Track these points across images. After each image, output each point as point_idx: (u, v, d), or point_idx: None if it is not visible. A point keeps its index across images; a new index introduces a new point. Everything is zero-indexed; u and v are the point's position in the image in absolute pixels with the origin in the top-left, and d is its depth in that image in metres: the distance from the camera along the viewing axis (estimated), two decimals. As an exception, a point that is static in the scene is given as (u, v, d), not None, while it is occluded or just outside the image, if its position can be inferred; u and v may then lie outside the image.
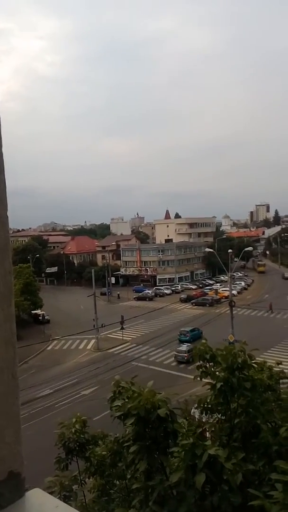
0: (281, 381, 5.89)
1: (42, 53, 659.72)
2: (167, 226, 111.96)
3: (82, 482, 5.62)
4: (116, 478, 5.47)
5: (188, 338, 43.73)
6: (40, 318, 58.46)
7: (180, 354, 38.27)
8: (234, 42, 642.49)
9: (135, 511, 3.16)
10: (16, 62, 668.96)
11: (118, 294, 77.25)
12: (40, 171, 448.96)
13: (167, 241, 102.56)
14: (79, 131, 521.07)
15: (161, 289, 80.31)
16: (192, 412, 4.72)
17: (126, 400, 3.49)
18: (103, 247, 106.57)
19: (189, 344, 39.86)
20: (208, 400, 3.90)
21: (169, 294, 77.56)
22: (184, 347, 39.13)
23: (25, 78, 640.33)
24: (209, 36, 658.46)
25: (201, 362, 4.03)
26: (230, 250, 53.92)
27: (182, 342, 42.46)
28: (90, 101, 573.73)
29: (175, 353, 39.35)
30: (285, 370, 5.86)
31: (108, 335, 49.44)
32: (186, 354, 37.36)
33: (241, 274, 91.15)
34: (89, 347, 47.04)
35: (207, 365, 4.01)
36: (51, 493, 4.80)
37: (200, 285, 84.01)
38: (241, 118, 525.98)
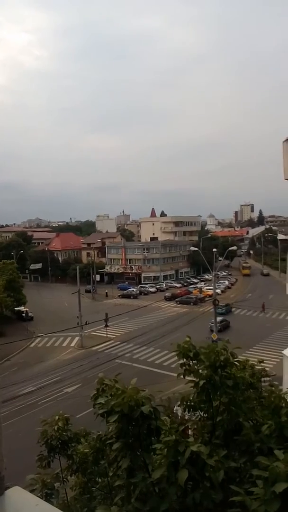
0: (262, 379, 5.96)
1: (29, 46, 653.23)
2: (153, 224, 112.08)
3: (64, 479, 5.59)
4: (98, 475, 5.45)
5: (223, 311, 54.37)
6: (24, 315, 58.01)
7: (217, 324, 41.69)
8: (221, 42, 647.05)
9: (117, 509, 3.16)
10: (2, 55, 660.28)
11: (107, 292, 76.88)
12: (26, 165, 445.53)
13: (153, 239, 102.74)
14: (66, 126, 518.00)
15: (146, 287, 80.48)
16: (174, 409, 4.74)
17: (110, 397, 3.48)
18: (88, 244, 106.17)
19: (223, 317, 49.79)
20: (191, 398, 3.92)
21: (154, 292, 77.80)
22: (219, 319, 44.15)
23: (12, 71, 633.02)
24: (196, 36, 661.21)
25: (184, 360, 4.04)
26: (214, 249, 54.43)
27: (219, 314, 45.71)
28: (77, 96, 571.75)
29: (210, 324, 43.66)
30: (267, 368, 5.94)
31: (92, 333, 49.33)
32: (219, 324, 43.12)
33: (225, 273, 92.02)
34: (73, 344, 46.84)
35: (191, 363, 4.02)
36: (32, 490, 4.78)
37: (185, 284, 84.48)
38: (227, 117, 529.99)
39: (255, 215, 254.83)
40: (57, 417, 5.65)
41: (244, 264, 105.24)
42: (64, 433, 5.52)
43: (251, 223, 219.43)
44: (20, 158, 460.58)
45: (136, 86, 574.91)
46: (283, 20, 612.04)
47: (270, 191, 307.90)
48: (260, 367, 6.08)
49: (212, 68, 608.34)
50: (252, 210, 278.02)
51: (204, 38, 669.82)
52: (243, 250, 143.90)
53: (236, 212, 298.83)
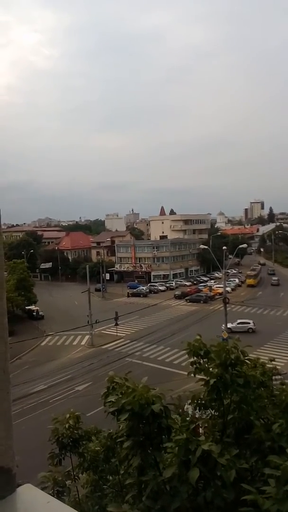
0: (274, 377, 5.92)
1: (39, 46, 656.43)
2: (162, 222, 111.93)
3: (75, 477, 5.62)
4: (110, 473, 5.48)
5: None
6: (34, 313, 58.40)
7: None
8: (230, 39, 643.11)
9: (128, 506, 3.16)
10: (13, 55, 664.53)
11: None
12: (36, 165, 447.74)
13: (162, 237, 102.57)
14: (75, 125, 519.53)
15: (156, 286, 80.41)
16: (185, 408, 4.74)
17: (120, 395, 3.49)
18: (98, 243, 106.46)
19: None
20: (202, 396, 3.91)
21: (164, 291, 77.70)
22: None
23: (22, 71, 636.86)
24: (205, 33, 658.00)
25: (194, 358, 4.03)
26: (224, 247, 54.11)
27: None
28: (86, 95, 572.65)
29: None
30: (278, 367, 5.89)
31: (102, 331, 49.47)
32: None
33: (235, 271, 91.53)
34: (83, 343, 47.04)
35: (201, 361, 4.01)
36: (44, 488, 4.81)
37: (195, 282, 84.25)
38: (237, 115, 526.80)
39: (266, 212, 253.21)
40: (68, 415, 5.68)
41: (249, 272, 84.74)
42: (75, 431, 5.54)
43: (262, 221, 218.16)
44: (29, 158, 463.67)
45: (144, 84, 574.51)
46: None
47: (280, 188, 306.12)
48: (271, 366, 6.04)
49: (221, 65, 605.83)
50: (262, 208, 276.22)
51: (212, 35, 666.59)
52: (254, 248, 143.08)
53: (246, 210, 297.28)
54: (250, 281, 79.80)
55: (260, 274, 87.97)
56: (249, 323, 46.32)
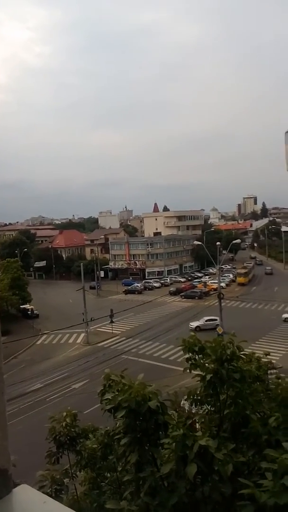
0: (269, 371, 5.96)
1: (30, 43, 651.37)
2: (156, 219, 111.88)
3: (73, 475, 5.64)
4: (107, 470, 5.49)
5: None
6: (29, 312, 58.21)
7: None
8: (224, 35, 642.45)
9: (127, 503, 3.17)
10: (4, 53, 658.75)
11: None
12: (28, 163, 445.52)
13: (156, 234, 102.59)
14: (68, 123, 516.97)
15: (150, 282, 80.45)
16: (181, 403, 4.74)
17: (117, 393, 3.49)
18: (92, 241, 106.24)
19: None
20: (198, 392, 3.92)
21: (158, 287, 77.74)
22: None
23: (13, 69, 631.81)
24: (199, 29, 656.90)
25: (190, 354, 4.05)
26: (218, 243, 54.32)
27: None
28: (80, 93, 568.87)
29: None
30: (273, 361, 5.93)
31: (98, 329, 49.43)
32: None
33: (229, 267, 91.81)
34: (78, 341, 46.98)
35: (197, 357, 4.02)
36: (42, 486, 4.81)
37: (189, 278, 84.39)
38: (229, 111, 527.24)
39: (259, 207, 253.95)
40: (65, 414, 5.69)
41: (239, 270, 79.50)
42: (72, 429, 5.56)
43: (255, 216, 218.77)
44: (22, 156, 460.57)
45: (137, 81, 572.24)
46: (284, 10, 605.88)
47: (272, 183, 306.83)
48: (266, 360, 6.08)
49: (215, 61, 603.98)
50: (256, 203, 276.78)
51: (206, 31, 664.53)
52: (247, 243, 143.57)
53: (239, 205, 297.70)
54: (240, 279, 75.14)
55: (253, 271, 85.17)
56: (216, 319, 45.94)
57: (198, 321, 46.13)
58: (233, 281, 79.13)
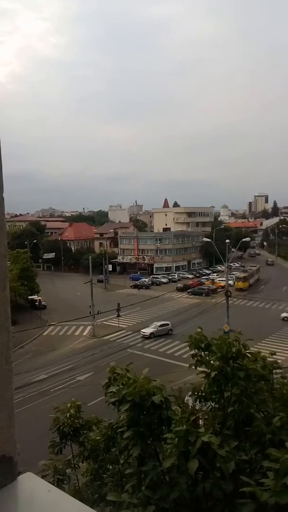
0: (274, 371, 5.94)
1: (46, 34, 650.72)
2: (166, 214, 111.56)
3: (76, 466, 5.68)
4: (109, 463, 5.53)
5: None
6: (37, 303, 58.65)
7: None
8: (241, 31, 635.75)
9: (128, 496, 3.20)
10: (19, 43, 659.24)
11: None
12: (40, 155, 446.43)
13: (165, 229, 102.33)
14: (80, 116, 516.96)
15: (158, 278, 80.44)
16: (185, 399, 4.76)
17: (121, 386, 3.50)
18: (101, 234, 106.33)
19: None
20: (202, 388, 3.93)
21: (166, 283, 77.73)
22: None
23: (29, 60, 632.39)
24: (216, 24, 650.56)
25: (196, 350, 4.05)
26: (227, 240, 53.96)
27: None
28: (93, 86, 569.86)
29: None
30: (279, 361, 5.91)
31: (104, 322, 49.65)
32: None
33: (238, 265, 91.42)
34: (85, 333, 47.25)
35: (202, 354, 4.02)
36: (44, 476, 4.86)
37: (197, 275, 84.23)
38: (242, 108, 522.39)
39: (270, 206, 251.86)
40: (69, 405, 5.73)
41: (238, 274, 72.19)
42: (76, 421, 5.59)
43: (265, 214, 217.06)
44: (34, 148, 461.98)
45: (152, 75, 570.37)
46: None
47: (284, 182, 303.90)
48: (272, 359, 6.07)
49: (231, 57, 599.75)
50: (267, 201, 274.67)
51: (224, 25, 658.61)
52: (257, 242, 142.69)
53: (250, 203, 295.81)
54: (239, 284, 68.49)
55: (257, 274, 79.58)
56: (168, 324, 45.22)
57: (150, 328, 44.53)
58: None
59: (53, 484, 4.69)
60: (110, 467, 5.57)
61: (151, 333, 43.39)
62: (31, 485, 1.10)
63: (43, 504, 1.04)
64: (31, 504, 1.04)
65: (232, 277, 69.17)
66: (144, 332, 43.95)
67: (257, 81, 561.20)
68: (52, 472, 5.11)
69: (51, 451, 5.62)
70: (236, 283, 68.83)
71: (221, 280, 67.06)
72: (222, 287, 59.18)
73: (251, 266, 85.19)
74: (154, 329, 44.09)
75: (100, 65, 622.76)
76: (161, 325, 44.85)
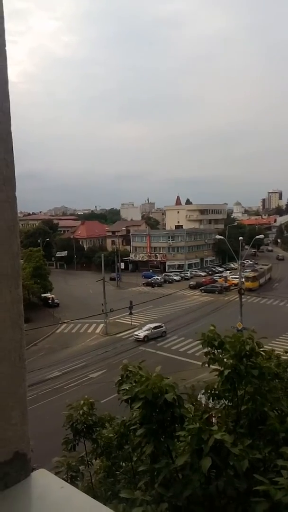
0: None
1: (58, 33, 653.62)
2: (178, 212, 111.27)
3: (89, 463, 5.71)
4: (123, 460, 5.54)
5: None
6: (50, 301, 59.14)
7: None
8: (252, 27, 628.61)
9: (141, 493, 3.20)
10: (32, 43, 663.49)
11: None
12: (53, 154, 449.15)
13: (178, 227, 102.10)
14: (92, 114, 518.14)
15: (171, 276, 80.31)
16: (198, 397, 4.74)
17: (134, 384, 3.51)
18: (113, 232, 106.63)
19: None
20: (216, 386, 3.91)
21: (178, 281, 77.55)
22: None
23: (41, 59, 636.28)
24: (225, 20, 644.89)
25: (209, 348, 4.03)
26: (240, 238, 53.61)
27: None
28: (105, 84, 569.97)
29: None
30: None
31: (117, 320, 49.80)
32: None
33: (251, 262, 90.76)
34: (97, 331, 47.47)
35: (215, 352, 4.00)
36: (58, 473, 4.90)
37: (210, 272, 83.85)
38: (255, 104, 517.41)
39: (284, 202, 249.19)
40: (82, 402, 5.76)
41: (247, 274, 66.99)
42: (89, 418, 5.61)
43: (279, 211, 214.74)
44: (46, 147, 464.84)
45: (162, 73, 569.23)
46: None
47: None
48: (286, 358, 6.00)
49: (241, 54, 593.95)
50: (281, 198, 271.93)
51: (232, 23, 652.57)
52: (271, 239, 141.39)
53: (263, 200, 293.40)
54: (248, 284, 63.66)
55: (268, 274, 76.03)
56: (162, 326, 44.42)
57: (144, 330, 43.25)
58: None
59: (66, 481, 4.72)
60: (123, 464, 5.59)
61: (145, 336, 42.11)
62: (45, 482, 1.10)
63: (56, 500, 1.05)
64: (44, 500, 1.05)
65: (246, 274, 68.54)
66: (137, 335, 42.58)
67: (269, 77, 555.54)
68: (65, 468, 5.15)
69: (64, 448, 5.66)
70: (245, 282, 63.90)
71: (234, 278, 66.58)
72: (235, 284, 58.78)
73: (262, 264, 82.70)
74: (148, 332, 42.85)
75: (111, 63, 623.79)
76: (154, 327, 43.74)
